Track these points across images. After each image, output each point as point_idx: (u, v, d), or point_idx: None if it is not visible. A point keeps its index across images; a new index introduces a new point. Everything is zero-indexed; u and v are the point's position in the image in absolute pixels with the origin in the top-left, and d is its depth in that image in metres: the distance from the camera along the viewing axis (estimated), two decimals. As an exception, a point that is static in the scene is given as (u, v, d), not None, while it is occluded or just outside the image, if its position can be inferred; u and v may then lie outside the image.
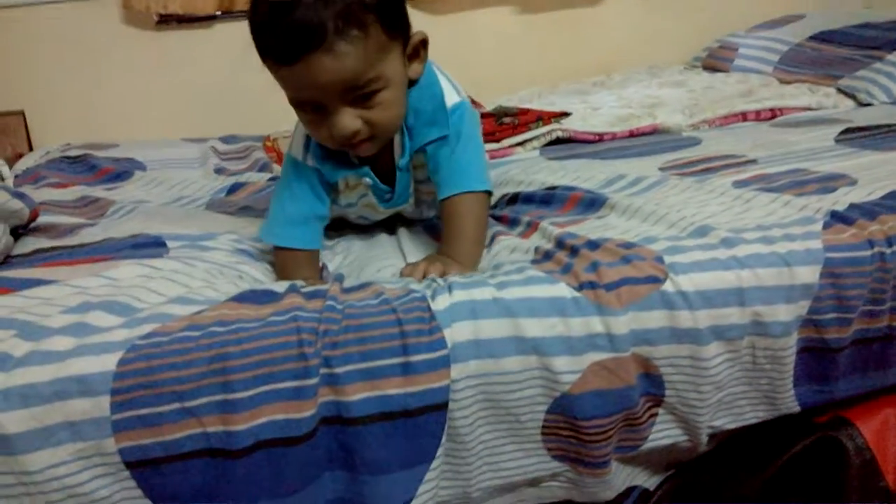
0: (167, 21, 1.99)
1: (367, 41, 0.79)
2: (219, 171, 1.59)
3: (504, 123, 1.55)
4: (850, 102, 1.67)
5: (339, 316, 0.73)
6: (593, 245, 0.87)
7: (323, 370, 0.70)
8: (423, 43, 0.89)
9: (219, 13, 2.00)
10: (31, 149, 1.91)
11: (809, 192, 1.00)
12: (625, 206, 1.02)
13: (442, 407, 0.72)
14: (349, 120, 0.83)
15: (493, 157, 1.47)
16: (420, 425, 0.72)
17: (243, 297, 0.77)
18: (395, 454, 0.72)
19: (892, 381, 0.90)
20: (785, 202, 0.97)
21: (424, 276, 0.84)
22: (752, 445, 0.91)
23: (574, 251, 0.86)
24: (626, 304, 0.78)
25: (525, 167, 1.33)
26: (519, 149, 1.52)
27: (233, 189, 1.44)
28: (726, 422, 0.86)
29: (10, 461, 0.65)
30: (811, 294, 0.82)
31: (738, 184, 1.08)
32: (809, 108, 1.65)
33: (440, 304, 0.75)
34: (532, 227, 0.99)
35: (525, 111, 1.63)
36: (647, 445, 0.83)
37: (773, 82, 1.90)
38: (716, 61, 2.17)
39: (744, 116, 1.64)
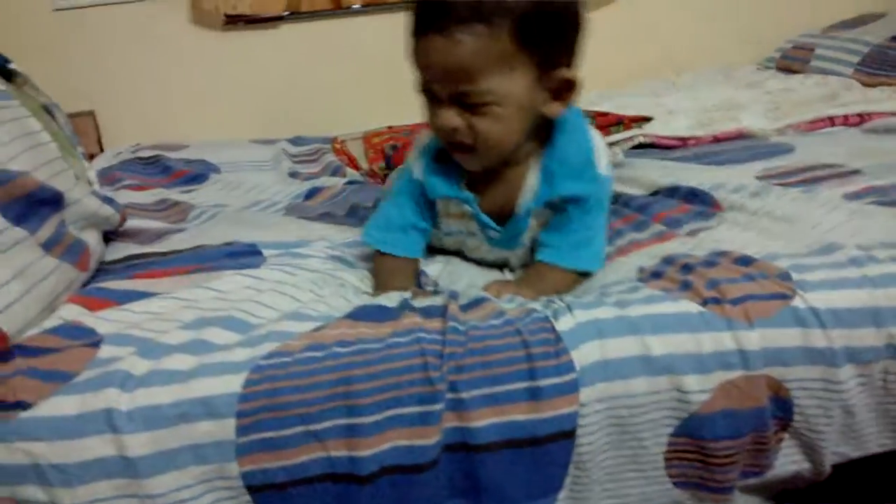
0: (235, 21, 1.99)
1: (489, 42, 0.75)
2: (293, 174, 1.58)
3: (584, 127, 1.51)
4: (941, 107, 1.60)
5: (463, 338, 0.70)
6: (709, 263, 0.83)
7: (448, 395, 0.68)
8: (569, 84, 0.82)
9: (286, 14, 1.98)
10: (101, 149, 1.92)
11: (936, 206, 0.95)
12: (736, 218, 0.97)
13: (570, 434, 0.69)
14: (451, 116, 0.80)
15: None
16: (548, 453, 0.69)
17: (360, 315, 0.75)
18: (522, 484, 0.69)
19: None
20: (910, 218, 0.92)
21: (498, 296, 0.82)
22: (872, 477, 0.87)
23: (688, 269, 0.82)
24: (755, 319, 0.74)
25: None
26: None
27: (310, 194, 1.43)
28: (850, 450, 0.82)
29: (135, 485, 0.64)
30: None
31: (850, 196, 1.03)
32: (899, 113, 1.58)
33: (564, 324, 0.72)
34: (634, 244, 0.95)
35: (604, 114, 1.59)
36: (772, 473, 0.79)
37: (856, 85, 1.82)
38: (790, 62, 2.09)
39: (831, 121, 1.57)
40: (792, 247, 0.88)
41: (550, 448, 0.69)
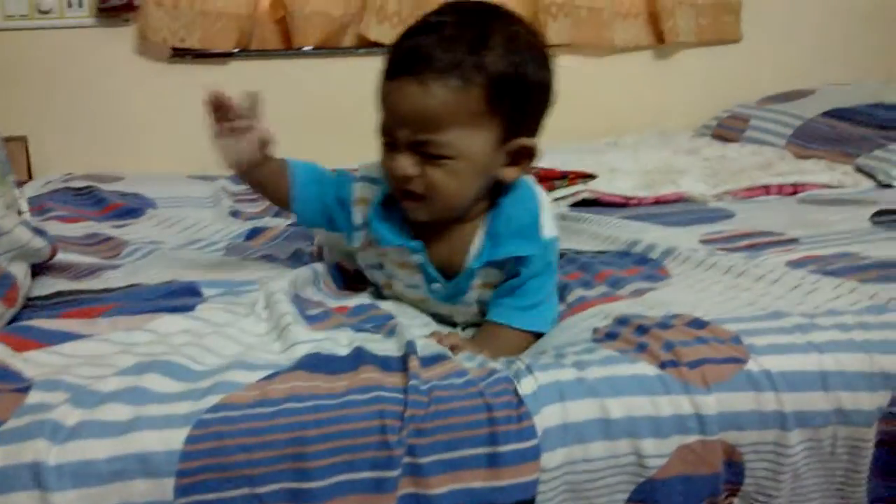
0: (182, 55, 1.94)
1: (461, 97, 0.76)
2: (234, 213, 1.53)
3: (530, 180, 1.53)
4: (868, 182, 1.69)
5: (426, 399, 0.67)
6: (663, 325, 0.83)
7: (406, 459, 0.65)
8: (528, 152, 0.83)
9: (236, 50, 1.95)
10: (30, 177, 1.83)
11: (873, 278, 0.98)
12: (682, 280, 0.99)
13: (529, 503, 0.67)
14: (408, 163, 0.80)
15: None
16: (505, 524, 0.66)
17: (312, 365, 0.71)
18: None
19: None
20: (851, 288, 0.95)
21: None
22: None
23: (642, 330, 0.82)
24: (712, 383, 0.74)
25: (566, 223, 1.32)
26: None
27: (252, 234, 1.38)
28: (796, 512, 0.82)
29: (58, 547, 0.58)
30: (892, 385, 0.80)
31: (793, 264, 1.06)
32: (830, 186, 1.66)
33: (526, 387, 0.70)
34: (583, 304, 0.95)
35: (548, 169, 1.61)
36: (721, 538, 0.79)
37: (789, 156, 1.91)
38: (726, 131, 2.18)
39: (766, 190, 1.64)
40: (740, 311, 0.89)
41: (508, 518, 0.66)
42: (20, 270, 0.95)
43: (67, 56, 1.90)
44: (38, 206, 1.47)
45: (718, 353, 0.77)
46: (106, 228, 1.39)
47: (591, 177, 1.57)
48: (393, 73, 0.78)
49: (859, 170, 1.73)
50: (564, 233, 1.31)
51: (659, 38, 2.25)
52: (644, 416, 0.71)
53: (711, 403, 0.73)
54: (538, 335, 0.89)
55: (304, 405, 0.65)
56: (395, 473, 0.63)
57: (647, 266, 1.08)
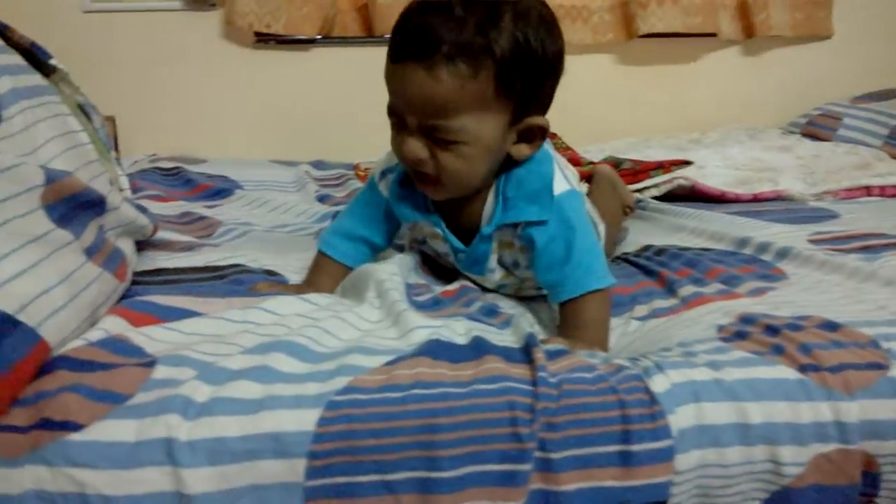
0: (266, 40, 1.95)
1: (470, 83, 0.73)
2: (321, 198, 1.53)
3: (624, 168, 1.49)
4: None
5: (556, 392, 0.65)
6: (794, 326, 0.79)
7: (537, 454, 0.62)
8: (541, 130, 0.82)
9: (319, 37, 1.95)
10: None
11: None
12: (801, 281, 0.94)
13: None
14: (417, 147, 0.78)
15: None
16: (637, 525, 0.63)
17: (434, 352, 0.69)
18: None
19: None
20: None
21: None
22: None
23: (773, 330, 0.78)
24: (855, 390, 0.70)
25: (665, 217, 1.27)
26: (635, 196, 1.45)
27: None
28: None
29: (189, 525, 0.57)
30: None
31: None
32: (936, 189, 1.57)
33: (658, 385, 0.67)
34: (699, 299, 0.91)
35: (643, 161, 1.57)
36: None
37: (886, 157, 1.82)
38: (816, 129, 2.10)
39: (868, 191, 1.57)
40: (871, 315, 0.84)
41: (640, 519, 0.63)
42: (128, 247, 0.96)
43: (155, 39, 1.92)
44: (131, 184, 1.49)
45: (859, 357, 0.73)
46: (198, 208, 1.41)
47: (687, 163, 1.52)
48: (399, 56, 0.75)
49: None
50: (661, 227, 1.28)
51: (748, 31, 2.17)
52: (784, 422, 0.67)
53: (854, 411, 0.68)
54: (604, 298, 0.84)
55: (433, 392, 0.63)
56: (526, 467, 0.61)
57: (758, 265, 1.03)
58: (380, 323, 0.78)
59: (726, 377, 0.69)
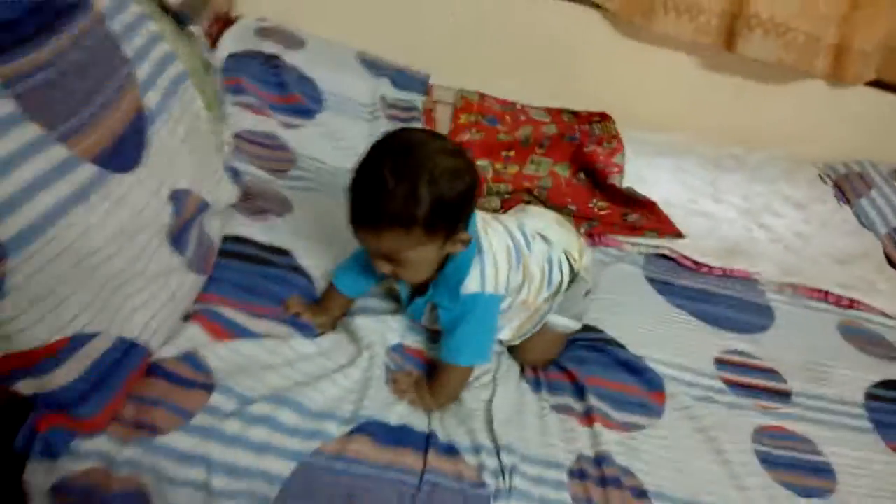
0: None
1: (406, 236, 1.02)
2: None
3: (629, 222, 1.75)
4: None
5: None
6: (617, 483, 1.12)
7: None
8: (464, 242, 1.10)
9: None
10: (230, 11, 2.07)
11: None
12: (665, 426, 1.28)
13: None
14: (383, 265, 1.10)
15: (606, 245, 1.72)
16: None
17: (373, 431, 1.08)
18: None
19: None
20: None
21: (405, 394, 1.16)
22: None
23: (604, 482, 1.12)
24: None
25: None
26: (627, 246, 1.73)
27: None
28: None
29: None
30: None
31: (760, 433, 1.31)
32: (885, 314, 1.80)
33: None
34: (588, 418, 1.22)
35: (652, 205, 1.81)
36: None
37: (878, 252, 1.99)
38: (848, 185, 2.21)
39: (826, 295, 1.78)
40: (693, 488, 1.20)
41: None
42: (215, 228, 1.25)
43: None
44: (234, 79, 1.74)
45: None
46: (281, 129, 1.70)
47: (680, 236, 1.77)
48: (354, 220, 1.05)
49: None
50: (607, 300, 1.52)
51: (840, 76, 2.21)
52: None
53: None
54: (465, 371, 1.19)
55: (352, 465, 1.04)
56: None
57: (643, 385, 1.33)
58: (356, 384, 1.16)
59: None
